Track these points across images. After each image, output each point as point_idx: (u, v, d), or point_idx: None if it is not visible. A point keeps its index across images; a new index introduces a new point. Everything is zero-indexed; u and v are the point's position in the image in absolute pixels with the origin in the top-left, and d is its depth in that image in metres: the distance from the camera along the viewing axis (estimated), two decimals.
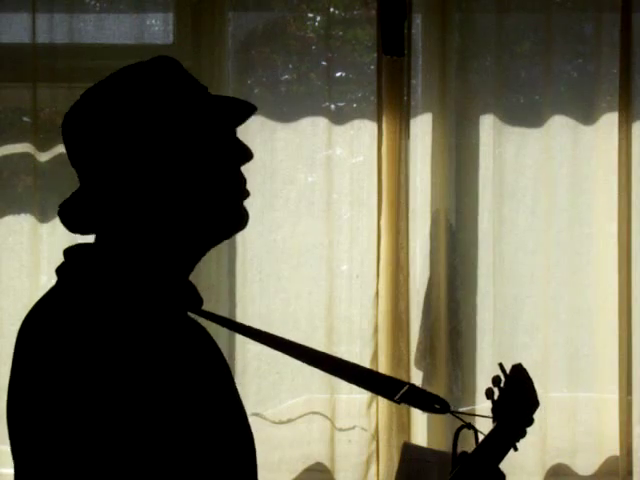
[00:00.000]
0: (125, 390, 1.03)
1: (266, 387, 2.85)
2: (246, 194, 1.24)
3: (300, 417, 2.85)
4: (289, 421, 2.85)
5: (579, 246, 2.88)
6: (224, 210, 1.21)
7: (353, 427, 2.83)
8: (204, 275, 2.84)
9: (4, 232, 2.88)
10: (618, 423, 2.81)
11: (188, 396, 1.10)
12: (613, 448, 2.83)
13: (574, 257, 2.87)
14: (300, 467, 2.85)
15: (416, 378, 2.85)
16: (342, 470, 2.84)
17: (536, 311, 2.86)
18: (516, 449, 1.42)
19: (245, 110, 1.24)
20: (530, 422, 1.44)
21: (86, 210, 1.18)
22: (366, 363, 2.82)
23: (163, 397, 1.06)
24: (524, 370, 1.45)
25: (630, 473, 2.83)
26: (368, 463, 2.83)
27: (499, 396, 1.43)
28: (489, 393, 1.43)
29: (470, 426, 1.43)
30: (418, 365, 2.86)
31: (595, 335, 2.86)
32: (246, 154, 1.23)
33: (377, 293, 2.83)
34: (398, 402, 1.44)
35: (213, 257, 2.84)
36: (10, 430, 1.11)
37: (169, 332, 1.14)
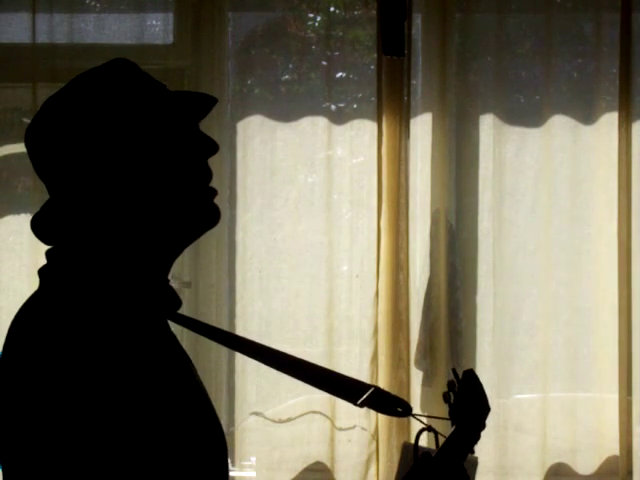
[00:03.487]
0: (107, 393, 1.04)
1: (266, 387, 2.85)
2: (213, 191, 1.21)
3: (300, 417, 2.85)
4: (289, 420, 2.86)
5: (579, 246, 2.88)
6: (194, 206, 1.20)
7: (353, 427, 2.83)
8: (204, 275, 2.84)
9: (4, 232, 2.88)
10: (618, 423, 2.81)
11: (166, 398, 1.10)
12: (613, 448, 2.83)
13: (574, 257, 2.87)
14: (300, 467, 2.86)
15: (416, 378, 2.85)
16: (342, 470, 2.84)
17: (536, 311, 2.86)
18: (473, 452, 1.44)
19: (205, 103, 1.23)
20: (482, 427, 1.46)
21: (59, 220, 1.18)
22: (366, 363, 2.83)
23: (143, 400, 1.06)
24: (475, 376, 1.47)
25: (630, 473, 2.83)
26: (368, 463, 2.83)
27: (455, 400, 1.45)
28: (446, 397, 1.46)
29: (431, 428, 1.47)
30: (418, 365, 2.86)
31: (595, 335, 2.86)
32: (211, 147, 1.21)
33: (377, 293, 2.83)
34: (360, 406, 1.43)
35: (213, 257, 2.84)
36: None
37: (151, 334, 1.15)
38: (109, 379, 1.04)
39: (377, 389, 1.44)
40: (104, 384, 1.04)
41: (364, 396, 1.42)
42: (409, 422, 2.82)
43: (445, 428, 1.46)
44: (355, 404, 1.42)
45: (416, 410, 2.89)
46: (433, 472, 1.36)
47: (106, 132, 1.15)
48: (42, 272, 1.19)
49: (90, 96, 1.16)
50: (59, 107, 1.17)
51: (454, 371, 1.49)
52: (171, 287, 1.24)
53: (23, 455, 1.07)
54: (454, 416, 1.44)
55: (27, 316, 1.12)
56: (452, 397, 1.46)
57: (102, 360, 1.05)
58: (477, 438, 1.45)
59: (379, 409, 1.47)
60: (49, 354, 1.05)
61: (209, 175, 1.21)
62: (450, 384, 1.46)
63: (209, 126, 2.75)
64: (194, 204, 1.19)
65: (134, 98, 1.17)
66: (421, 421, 1.48)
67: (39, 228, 1.20)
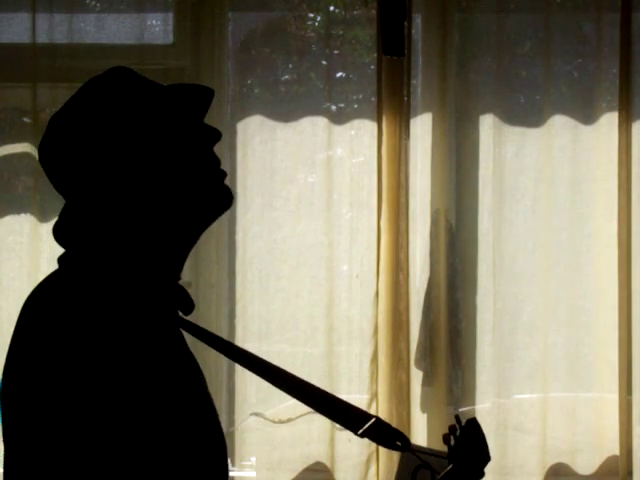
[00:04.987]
0: (109, 388, 1.05)
1: (266, 387, 2.82)
2: (223, 174, 1.26)
3: (300, 417, 2.85)
4: (289, 421, 2.85)
5: (579, 246, 2.87)
6: (207, 193, 1.23)
7: None
8: (204, 275, 2.84)
9: (4, 232, 2.88)
10: (618, 423, 2.81)
11: (167, 398, 1.12)
12: (613, 448, 2.83)
13: (574, 257, 2.87)
14: (300, 467, 2.85)
15: (416, 378, 2.85)
16: (342, 470, 2.84)
17: (536, 311, 2.86)
18: None
19: (203, 94, 1.26)
20: (481, 475, 1.47)
21: (78, 223, 1.21)
22: (366, 363, 2.82)
23: (144, 397, 1.08)
24: (478, 425, 1.49)
25: (630, 473, 2.83)
26: (368, 463, 2.83)
27: (455, 443, 1.47)
28: (446, 439, 1.48)
29: (427, 466, 1.47)
30: (418, 365, 2.86)
31: (595, 335, 2.86)
32: (214, 135, 1.25)
33: (377, 293, 2.83)
34: (361, 436, 1.44)
35: (213, 257, 2.84)
36: (3, 418, 1.14)
37: (159, 333, 1.17)
38: (110, 373, 1.06)
39: (378, 420, 1.45)
40: (105, 378, 1.05)
41: (365, 426, 1.42)
42: (409, 422, 2.82)
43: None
44: (356, 434, 1.43)
45: (416, 411, 2.90)
46: None
47: (113, 137, 1.18)
48: (61, 260, 1.22)
49: (94, 106, 1.20)
50: (66, 121, 1.21)
51: (457, 417, 1.51)
52: (184, 289, 1.26)
53: (22, 442, 1.09)
54: (452, 458, 1.46)
55: (39, 303, 1.15)
56: (452, 440, 1.48)
57: (105, 355, 1.06)
58: None
59: (378, 441, 1.48)
60: (55, 346, 1.07)
61: (217, 161, 1.25)
62: (452, 428, 1.48)
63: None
64: (206, 191, 1.23)
65: (135, 102, 1.20)
66: (419, 457, 1.50)
67: (60, 235, 1.23)
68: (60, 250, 1.24)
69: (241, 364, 1.46)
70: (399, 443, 1.47)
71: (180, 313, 1.27)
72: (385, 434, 1.46)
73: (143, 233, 1.20)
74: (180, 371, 1.17)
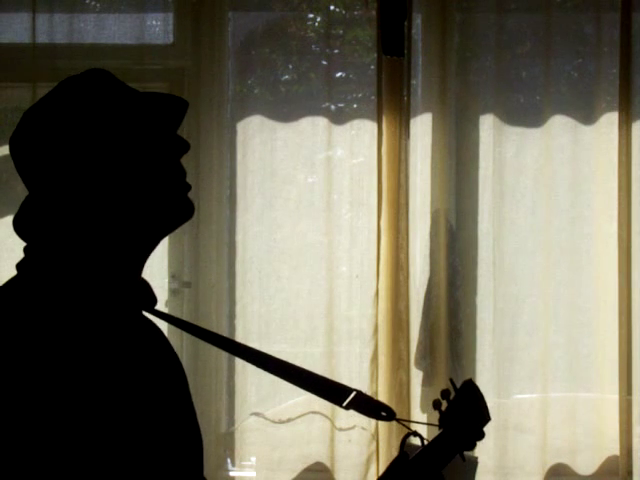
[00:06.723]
0: (67, 390, 1.06)
1: (266, 387, 2.85)
2: (187, 186, 1.26)
3: (300, 417, 2.85)
4: (289, 421, 2.86)
5: (579, 246, 2.88)
6: (168, 203, 1.24)
7: (353, 427, 2.84)
8: (204, 275, 2.84)
9: (4, 232, 2.88)
10: (618, 423, 2.81)
11: (131, 397, 1.12)
12: (613, 448, 2.83)
13: (574, 257, 2.87)
14: (300, 467, 2.86)
15: (416, 378, 2.85)
16: (342, 470, 2.84)
17: (536, 311, 2.86)
18: (463, 458, 1.44)
19: (178, 105, 1.27)
20: (480, 435, 1.46)
21: (38, 218, 1.25)
22: (366, 363, 2.83)
23: (104, 398, 1.08)
24: (475, 386, 1.48)
25: (630, 473, 2.83)
26: (368, 463, 2.84)
27: (447, 407, 1.46)
28: (436, 404, 1.47)
29: (416, 433, 1.48)
30: (418, 365, 2.86)
31: (595, 335, 2.86)
32: (182, 146, 1.25)
33: (377, 293, 2.83)
34: (346, 408, 1.48)
35: (213, 257, 2.84)
36: None
37: (118, 331, 1.17)
38: (69, 377, 1.06)
39: (359, 393, 1.49)
40: (63, 381, 1.06)
41: (348, 399, 1.44)
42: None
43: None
44: (341, 406, 1.47)
45: (416, 411, 2.90)
46: (407, 473, 1.38)
47: (82, 136, 1.19)
48: (19, 266, 1.24)
49: (67, 104, 1.21)
50: (38, 115, 1.22)
51: (451, 380, 1.50)
52: (146, 283, 1.27)
53: None
54: (444, 423, 1.45)
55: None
56: (443, 405, 1.47)
57: (57, 353, 1.07)
58: (473, 445, 1.45)
59: (364, 412, 1.51)
60: (8, 346, 1.08)
61: (182, 173, 1.26)
62: (444, 392, 1.47)
63: (209, 126, 2.75)
64: (167, 200, 1.23)
65: (108, 105, 1.21)
66: (406, 426, 1.51)
67: (20, 227, 1.24)
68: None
69: (221, 348, 1.47)
70: (384, 414, 1.48)
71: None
72: (369, 406, 1.50)
73: (101, 233, 1.21)
74: (139, 370, 1.17)
